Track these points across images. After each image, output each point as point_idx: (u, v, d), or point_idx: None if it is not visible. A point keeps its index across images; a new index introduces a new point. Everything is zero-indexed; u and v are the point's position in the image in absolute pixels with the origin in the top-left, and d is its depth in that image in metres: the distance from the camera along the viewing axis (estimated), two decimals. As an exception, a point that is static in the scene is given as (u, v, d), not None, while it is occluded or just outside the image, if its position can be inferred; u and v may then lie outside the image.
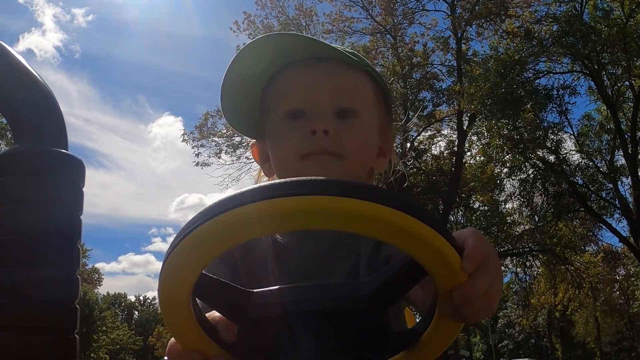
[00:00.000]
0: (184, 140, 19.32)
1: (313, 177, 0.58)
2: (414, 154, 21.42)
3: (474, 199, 21.31)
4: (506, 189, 20.24)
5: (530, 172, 19.64)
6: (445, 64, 20.61)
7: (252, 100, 1.15)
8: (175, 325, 0.70)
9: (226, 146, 18.87)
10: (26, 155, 0.69)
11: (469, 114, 19.51)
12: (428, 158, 22.26)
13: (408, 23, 20.36)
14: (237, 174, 18.73)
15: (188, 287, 0.65)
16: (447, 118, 21.70)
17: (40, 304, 0.66)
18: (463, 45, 19.87)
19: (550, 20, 18.16)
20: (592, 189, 19.94)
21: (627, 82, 18.84)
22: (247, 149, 17.51)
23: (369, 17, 20.06)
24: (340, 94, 1.08)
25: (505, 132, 17.31)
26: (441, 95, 20.83)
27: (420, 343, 0.76)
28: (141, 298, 79.46)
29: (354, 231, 0.59)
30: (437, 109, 21.39)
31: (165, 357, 0.80)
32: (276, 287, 0.69)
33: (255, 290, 0.70)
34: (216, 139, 18.96)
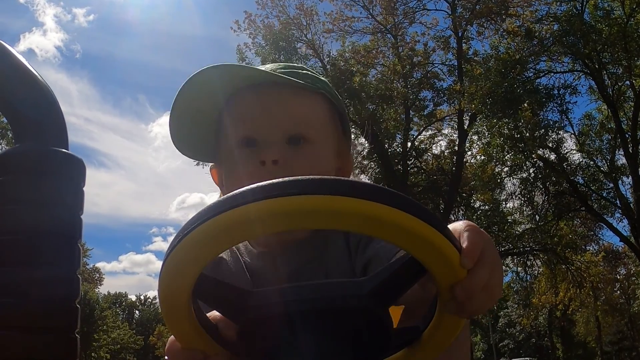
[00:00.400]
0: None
1: (313, 177, 0.58)
2: (414, 154, 21.42)
3: (474, 198, 21.30)
4: (507, 188, 20.26)
5: (530, 171, 19.65)
6: (446, 63, 20.61)
7: (207, 128, 1.15)
8: (176, 324, 0.70)
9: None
10: (27, 154, 0.69)
11: (469, 114, 19.50)
12: (429, 157, 22.25)
13: (409, 22, 20.36)
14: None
15: (188, 287, 0.65)
16: (447, 117, 21.69)
17: (41, 303, 0.66)
18: (464, 44, 19.86)
19: (551, 19, 18.14)
20: (592, 188, 19.93)
21: (627, 82, 18.82)
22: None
23: (370, 17, 20.05)
24: (291, 120, 1.07)
25: (506, 131, 17.30)
26: (442, 95, 20.84)
27: (422, 340, 0.76)
28: (142, 297, 79.55)
29: (354, 230, 0.60)
30: (438, 108, 21.40)
31: (165, 357, 0.80)
32: (276, 286, 0.69)
33: (255, 290, 0.70)
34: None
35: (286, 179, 0.58)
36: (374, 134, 18.99)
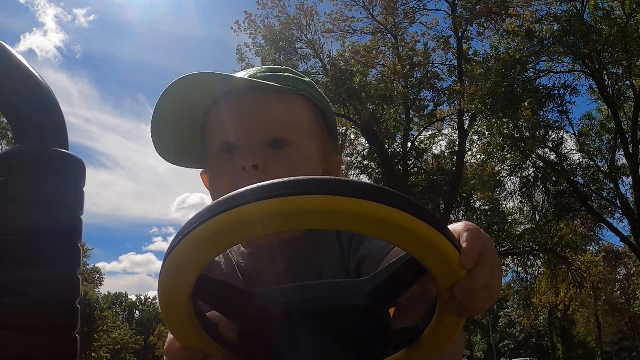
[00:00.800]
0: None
1: (312, 177, 0.58)
2: (414, 153, 21.43)
3: (474, 198, 21.32)
4: (507, 188, 20.27)
5: (530, 170, 19.66)
6: (446, 63, 20.64)
7: (192, 135, 1.16)
8: (175, 324, 0.70)
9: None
10: (27, 154, 0.69)
11: (469, 114, 19.52)
12: (429, 157, 22.28)
13: (409, 22, 20.38)
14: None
15: (188, 287, 0.65)
16: (447, 117, 21.72)
17: (41, 303, 0.66)
18: (464, 44, 19.87)
19: (551, 19, 18.14)
20: (592, 188, 19.94)
21: (627, 82, 18.84)
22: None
23: (370, 17, 20.06)
24: (272, 124, 1.07)
25: (506, 130, 17.30)
26: (442, 95, 20.86)
27: (422, 340, 0.76)
28: (142, 297, 79.59)
29: (354, 230, 0.60)
30: (438, 108, 21.43)
31: (165, 357, 0.80)
32: (276, 286, 0.69)
33: (255, 290, 0.70)
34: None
35: (286, 179, 0.58)
36: (374, 133, 19.01)
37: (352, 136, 20.99)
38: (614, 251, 30.82)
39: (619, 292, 37.50)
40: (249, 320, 0.69)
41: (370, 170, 21.51)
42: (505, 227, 19.63)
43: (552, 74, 18.94)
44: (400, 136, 20.70)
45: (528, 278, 23.43)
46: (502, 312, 54.52)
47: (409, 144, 21.05)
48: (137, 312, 78.61)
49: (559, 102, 18.82)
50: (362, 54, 19.96)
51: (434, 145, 22.26)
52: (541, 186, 20.03)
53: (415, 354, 0.77)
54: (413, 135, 21.34)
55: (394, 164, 20.37)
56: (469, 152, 19.90)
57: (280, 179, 0.58)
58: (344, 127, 20.11)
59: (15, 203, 0.67)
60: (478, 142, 18.84)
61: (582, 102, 28.23)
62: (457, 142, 20.45)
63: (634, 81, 18.50)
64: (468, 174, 20.61)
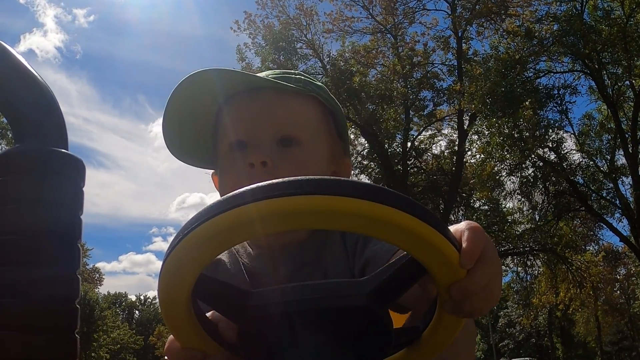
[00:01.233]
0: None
1: (313, 177, 0.58)
2: (414, 154, 21.43)
3: (474, 197, 21.32)
4: (507, 187, 20.26)
5: (530, 170, 19.66)
6: (446, 63, 20.63)
7: (206, 133, 1.16)
8: (176, 324, 0.70)
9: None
10: (27, 154, 0.69)
11: (469, 114, 19.52)
12: (429, 157, 22.27)
13: (409, 22, 20.38)
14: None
15: (188, 287, 0.65)
16: (447, 117, 21.71)
17: (41, 303, 0.66)
18: (464, 44, 19.87)
19: (551, 19, 18.15)
20: (592, 188, 19.94)
21: (627, 82, 18.83)
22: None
23: (370, 17, 20.07)
24: (281, 122, 1.08)
25: (506, 130, 17.30)
26: (442, 95, 20.86)
27: (422, 340, 0.76)
28: (142, 297, 79.55)
29: (354, 230, 0.60)
30: (438, 108, 21.43)
31: (165, 357, 0.80)
32: (276, 286, 0.69)
33: (255, 290, 0.70)
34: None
35: (286, 179, 0.58)
36: (374, 133, 19.00)
37: (352, 136, 20.99)
38: (613, 251, 30.84)
39: (619, 292, 37.53)
40: (249, 320, 0.69)
41: (370, 170, 21.50)
42: (505, 227, 19.61)
43: (552, 74, 18.95)
44: (400, 136, 20.71)
45: (528, 278, 23.44)
46: (502, 312, 54.51)
47: (409, 144, 21.05)
48: (137, 312, 78.59)
49: (559, 102, 18.84)
50: (362, 54, 19.96)
51: (434, 145, 22.28)
52: (541, 186, 20.03)
53: (415, 354, 0.77)
54: (413, 135, 21.35)
55: (394, 164, 20.37)
56: (469, 152, 19.91)
57: (281, 179, 0.58)
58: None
59: (15, 203, 0.67)
60: (478, 142, 18.85)
61: (582, 102, 28.29)
62: (457, 142, 20.45)
63: (633, 81, 18.49)
64: (468, 174, 20.62)
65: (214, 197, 0.83)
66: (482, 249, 0.65)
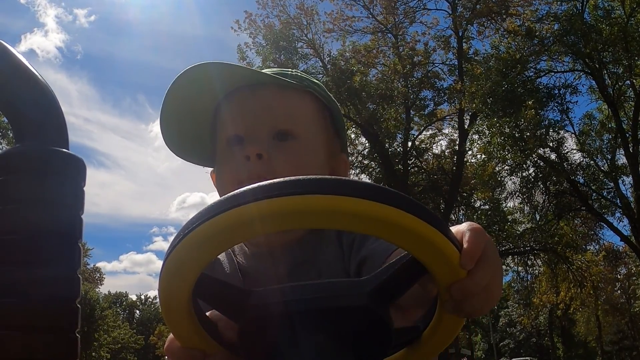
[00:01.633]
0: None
1: (313, 176, 0.58)
2: (415, 153, 21.42)
3: (475, 197, 21.31)
4: (507, 187, 20.25)
5: (531, 170, 19.65)
6: (447, 62, 20.64)
7: (204, 129, 1.16)
8: (176, 324, 0.70)
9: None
10: (27, 154, 0.69)
11: (470, 113, 19.51)
12: (429, 157, 22.27)
13: (409, 22, 20.37)
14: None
15: (188, 287, 0.65)
16: (448, 117, 21.71)
17: (42, 303, 0.66)
18: (464, 44, 19.86)
19: (552, 19, 18.14)
20: (593, 188, 19.92)
21: (628, 81, 18.83)
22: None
23: (370, 16, 20.06)
24: (277, 117, 1.09)
25: (507, 130, 17.29)
26: (442, 94, 20.85)
27: (422, 340, 0.76)
28: (142, 297, 79.62)
29: (354, 230, 0.59)
30: (439, 107, 21.42)
31: (165, 357, 0.80)
32: (276, 286, 0.69)
33: (255, 289, 0.70)
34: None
35: (287, 178, 0.58)
36: (374, 133, 19.00)
37: (353, 136, 20.98)
38: (614, 251, 30.82)
39: (619, 291, 37.53)
40: (249, 319, 0.69)
41: (370, 169, 21.50)
42: (506, 226, 19.59)
43: (552, 73, 18.94)
44: (400, 136, 20.71)
45: (528, 278, 23.41)
46: (502, 312, 54.54)
47: (410, 144, 21.05)
48: (137, 311, 78.63)
49: (560, 102, 18.83)
50: (363, 54, 19.95)
51: (435, 144, 22.28)
52: (541, 186, 20.02)
53: (415, 354, 0.77)
54: (413, 134, 21.35)
55: (395, 164, 20.36)
56: (470, 152, 19.92)
57: (281, 179, 0.58)
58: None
59: (16, 203, 0.67)
60: (478, 142, 18.85)
61: (583, 102, 28.33)
62: (457, 142, 20.44)
63: (634, 81, 18.49)
64: (468, 174, 20.60)
65: (214, 196, 0.83)
66: (482, 250, 0.65)
